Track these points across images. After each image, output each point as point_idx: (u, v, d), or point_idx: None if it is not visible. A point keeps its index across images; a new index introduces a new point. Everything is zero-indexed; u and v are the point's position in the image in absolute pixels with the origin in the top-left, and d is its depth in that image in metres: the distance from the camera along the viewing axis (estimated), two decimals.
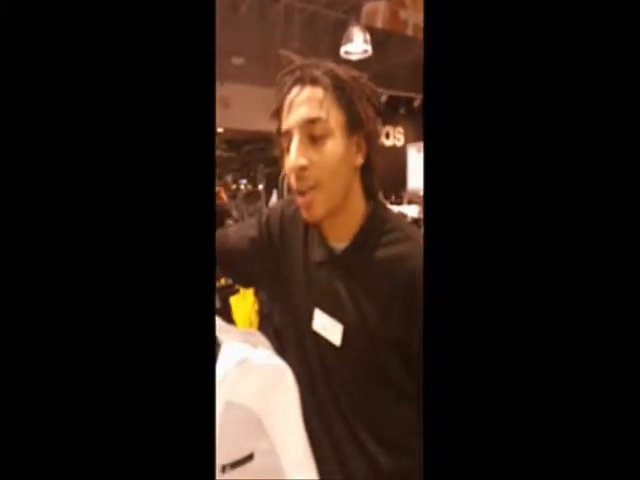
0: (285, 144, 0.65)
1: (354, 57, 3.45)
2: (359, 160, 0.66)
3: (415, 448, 0.63)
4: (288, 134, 0.64)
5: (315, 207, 0.63)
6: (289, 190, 0.68)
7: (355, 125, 0.64)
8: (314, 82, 0.62)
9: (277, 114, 0.67)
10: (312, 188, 0.62)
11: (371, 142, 0.66)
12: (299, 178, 0.62)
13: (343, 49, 3.42)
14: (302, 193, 0.63)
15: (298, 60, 0.67)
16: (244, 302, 2.08)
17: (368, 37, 3.37)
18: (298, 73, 0.64)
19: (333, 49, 3.54)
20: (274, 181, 2.33)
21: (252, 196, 2.61)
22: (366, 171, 0.68)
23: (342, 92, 0.62)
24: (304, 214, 0.66)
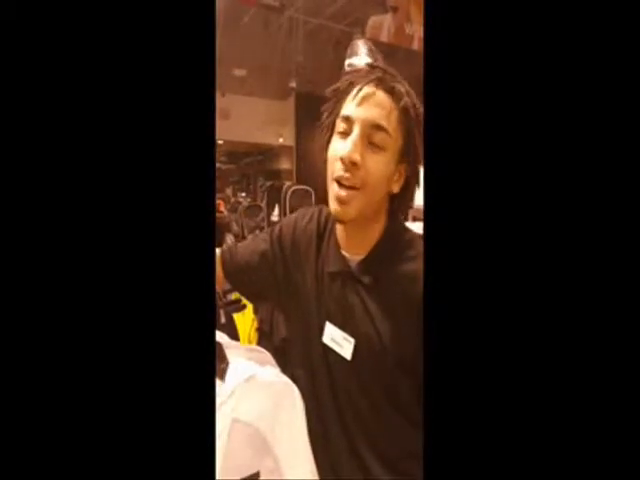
0: (340, 127, 0.64)
1: None
2: (396, 188, 0.67)
3: (417, 471, 0.64)
4: (348, 122, 0.63)
5: (350, 205, 0.62)
6: (329, 178, 0.66)
7: (407, 154, 0.65)
8: (393, 92, 0.62)
9: (336, 93, 0.66)
10: (355, 188, 0.62)
11: (412, 175, 0.67)
12: (347, 170, 0.61)
13: (347, 62, 3.38)
14: (342, 186, 0.62)
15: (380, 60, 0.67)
16: (243, 319, 2.02)
17: (373, 50, 3.33)
18: (380, 73, 0.64)
19: (337, 62, 3.51)
20: (276, 195, 2.28)
21: (253, 209, 2.53)
22: (397, 200, 0.69)
23: (407, 117, 0.63)
24: (336, 208, 0.63)
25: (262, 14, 3.71)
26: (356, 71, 0.66)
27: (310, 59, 3.81)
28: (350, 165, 0.60)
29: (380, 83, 0.62)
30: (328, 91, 0.68)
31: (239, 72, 4.99)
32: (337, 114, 0.65)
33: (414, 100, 0.64)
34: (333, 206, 0.64)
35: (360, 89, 0.62)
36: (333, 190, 0.63)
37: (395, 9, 3.54)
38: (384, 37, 3.52)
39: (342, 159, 0.61)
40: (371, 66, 0.66)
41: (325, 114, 0.68)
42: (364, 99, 0.62)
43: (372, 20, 3.48)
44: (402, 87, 0.63)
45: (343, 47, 3.43)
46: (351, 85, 0.64)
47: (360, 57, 3.39)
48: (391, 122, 0.62)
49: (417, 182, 0.68)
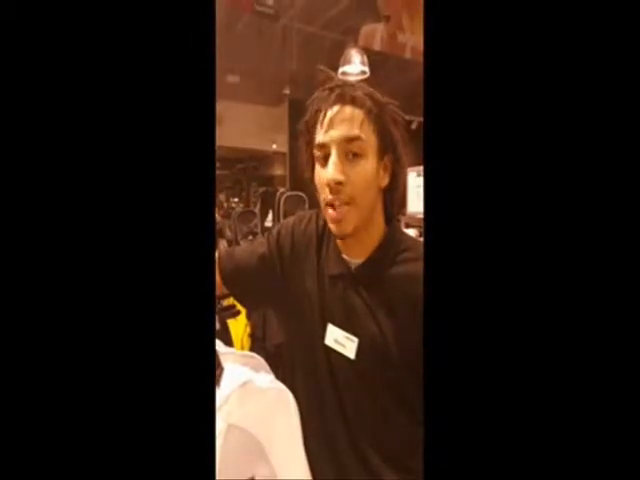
0: (318, 155, 0.66)
1: (351, 78, 3.43)
2: (385, 181, 0.68)
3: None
4: (324, 148, 0.65)
5: (346, 222, 0.65)
6: (321, 204, 0.68)
7: (386, 148, 0.67)
8: (355, 102, 0.64)
9: (307, 125, 0.69)
10: (346, 204, 0.64)
11: (397, 165, 0.69)
12: (334, 192, 0.64)
13: (341, 70, 3.40)
14: (334, 207, 0.65)
15: (336, 77, 0.69)
16: (236, 325, 2.02)
17: (366, 59, 3.36)
18: (339, 91, 0.65)
19: (330, 70, 3.53)
20: (270, 200, 2.28)
21: (246, 215, 2.53)
22: (389, 192, 0.70)
23: (378, 115, 0.65)
24: (333, 228, 0.66)
25: (256, 21, 3.73)
26: (317, 98, 0.67)
27: (303, 66, 3.83)
28: (336, 186, 0.63)
29: (341, 99, 0.64)
30: (299, 126, 0.70)
31: (232, 78, 5.00)
32: (313, 144, 0.67)
33: (376, 97, 0.65)
34: (332, 227, 0.66)
35: (325, 114, 0.64)
36: (328, 214, 0.65)
37: (388, 18, 3.58)
38: (377, 45, 3.55)
39: (328, 184, 0.63)
40: (330, 88, 0.67)
41: (302, 148, 0.71)
42: (332, 121, 0.64)
43: (365, 29, 3.52)
44: (361, 92, 0.64)
45: (336, 55, 3.46)
46: (318, 112, 0.66)
47: (353, 65, 3.42)
48: (363, 128, 0.63)
49: (404, 170, 0.69)
